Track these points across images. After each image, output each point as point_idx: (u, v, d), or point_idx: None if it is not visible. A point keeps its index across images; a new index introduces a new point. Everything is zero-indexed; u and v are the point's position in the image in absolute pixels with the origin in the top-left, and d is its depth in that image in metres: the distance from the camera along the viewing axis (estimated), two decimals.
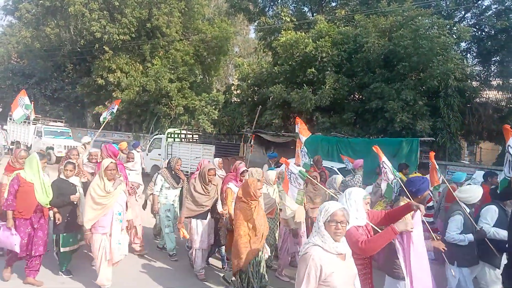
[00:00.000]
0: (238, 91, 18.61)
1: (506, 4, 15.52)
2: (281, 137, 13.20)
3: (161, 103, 21.68)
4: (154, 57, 23.76)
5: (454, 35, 13.93)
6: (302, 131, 7.91)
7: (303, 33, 15.11)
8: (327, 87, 13.37)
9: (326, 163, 9.74)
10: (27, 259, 4.84)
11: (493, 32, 15.20)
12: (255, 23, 20.79)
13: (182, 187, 6.59)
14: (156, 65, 22.51)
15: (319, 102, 13.41)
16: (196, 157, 12.64)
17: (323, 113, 14.13)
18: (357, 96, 14.94)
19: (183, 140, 14.93)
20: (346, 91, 13.85)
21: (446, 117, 12.35)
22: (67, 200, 5.01)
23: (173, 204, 6.41)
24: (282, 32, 15.91)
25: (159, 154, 14.67)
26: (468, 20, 16.73)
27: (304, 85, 13.98)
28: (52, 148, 18.32)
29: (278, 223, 5.73)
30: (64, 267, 5.30)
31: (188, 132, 16.11)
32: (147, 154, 15.06)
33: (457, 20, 16.55)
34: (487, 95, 15.09)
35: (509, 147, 4.44)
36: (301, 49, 14.22)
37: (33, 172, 4.72)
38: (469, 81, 14.01)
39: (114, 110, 11.49)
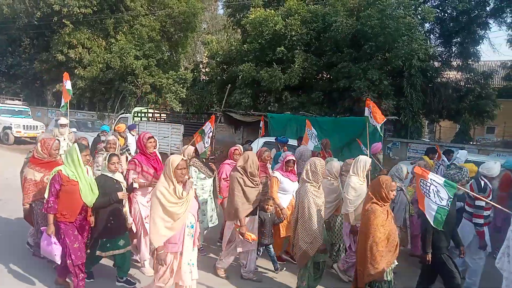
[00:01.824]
0: (206, 69, 18.33)
1: None
2: (251, 116, 13.19)
3: (127, 81, 20.97)
4: (118, 32, 22.76)
5: (418, 16, 14.30)
6: (376, 115, 7.15)
7: (273, 11, 14.95)
8: (296, 66, 13.42)
9: (294, 142, 9.91)
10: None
11: (455, 13, 15.65)
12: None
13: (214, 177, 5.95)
14: (120, 41, 21.61)
15: (288, 81, 13.48)
16: (164, 137, 12.46)
17: (292, 92, 14.23)
18: (325, 76, 15.12)
19: (150, 119, 14.62)
20: (314, 70, 13.98)
21: (409, 97, 12.80)
22: (114, 198, 4.27)
23: (210, 196, 5.79)
24: (251, 9, 15.65)
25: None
26: (432, 1, 17.13)
27: (274, 63, 13.97)
28: (10, 128, 17.41)
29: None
30: (89, 267, 4.55)
31: (156, 111, 15.77)
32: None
33: (422, 0, 16.91)
34: (448, 75, 15.72)
35: None
36: (270, 27, 14.10)
37: (75, 168, 4.07)
38: (432, 62, 14.53)
39: (69, 86, 9.76)
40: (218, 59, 16.68)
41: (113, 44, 21.84)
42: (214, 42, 17.65)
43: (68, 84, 9.40)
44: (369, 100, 7.30)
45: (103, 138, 8.32)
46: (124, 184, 4.52)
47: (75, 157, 4.07)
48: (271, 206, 5.03)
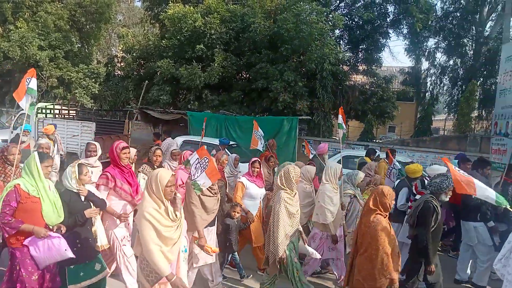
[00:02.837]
0: (122, 64, 17.36)
1: None
2: (170, 114, 12.89)
3: None
4: (18, 18, 20.37)
5: (329, 23, 15.34)
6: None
7: (192, 8, 14.77)
8: (216, 64, 13.46)
9: (213, 141, 9.95)
10: None
11: (361, 22, 17.16)
12: None
13: None
14: (21, 28, 19.37)
15: (208, 80, 13.45)
16: (74, 135, 11.53)
17: (212, 90, 14.24)
18: (244, 75, 15.41)
19: (57, 116, 13.41)
20: (234, 69, 14.16)
21: (321, 98, 13.69)
22: (81, 219, 3.63)
23: None
24: (170, 4, 15.27)
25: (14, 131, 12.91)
26: (342, 10, 18.57)
27: (194, 61, 13.82)
28: None
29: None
30: None
31: (64, 108, 14.50)
32: (11, 132, 13.12)
33: (332, 8, 18.19)
34: (355, 79, 17.17)
35: None
36: (189, 24, 13.92)
37: (36, 182, 3.35)
38: (341, 66, 15.69)
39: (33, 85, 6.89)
40: (134, 54, 15.95)
41: (11, 32, 19.49)
42: (130, 35, 16.83)
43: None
44: (342, 109, 7.09)
45: (24, 138, 7.33)
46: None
47: (34, 169, 3.34)
48: (237, 212, 4.79)
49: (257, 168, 5.13)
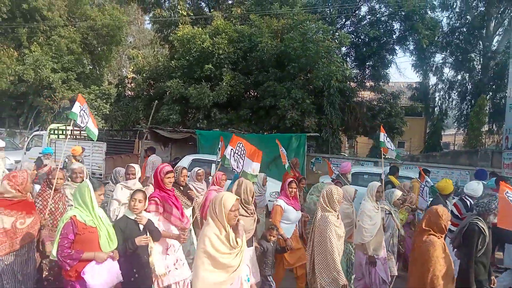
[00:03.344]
0: (132, 85, 17.74)
1: (377, 15, 17.89)
2: (179, 133, 13.04)
3: (43, 95, 19.39)
4: (32, 43, 21.06)
5: (336, 40, 15.54)
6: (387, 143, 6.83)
7: (200, 29, 15.13)
8: (224, 83, 13.66)
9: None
10: None
11: (367, 39, 17.34)
12: (151, 14, 20.00)
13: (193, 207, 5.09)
14: (35, 52, 20.00)
15: (217, 98, 13.64)
16: (85, 156, 11.71)
17: (221, 109, 14.41)
18: (252, 94, 15.59)
19: (69, 137, 13.66)
20: (242, 88, 14.35)
21: (329, 115, 13.74)
22: (131, 246, 3.43)
23: (190, 228, 4.93)
24: (179, 26, 15.67)
25: (40, 153, 13.17)
26: (348, 28, 18.80)
27: (202, 81, 14.06)
28: None
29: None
30: None
31: (75, 128, 14.77)
32: (25, 153, 13.39)
33: (339, 26, 18.45)
34: (362, 95, 17.22)
35: None
36: (198, 45, 14.23)
37: (90, 211, 3.23)
38: (348, 83, 15.78)
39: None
40: (144, 75, 16.30)
41: (26, 55, 20.14)
42: (140, 57, 17.24)
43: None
44: (382, 127, 7.13)
45: (46, 161, 7.38)
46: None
47: (88, 198, 3.20)
48: (274, 236, 4.55)
49: (294, 188, 4.87)
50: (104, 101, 17.44)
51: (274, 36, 14.59)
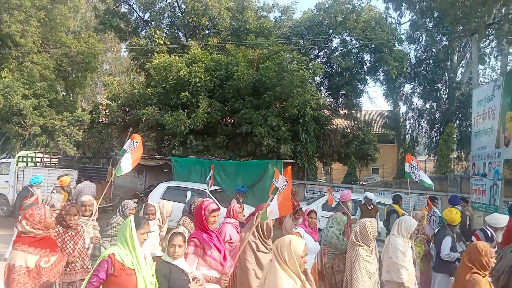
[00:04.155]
0: (107, 111, 17.49)
1: (349, 47, 18.69)
2: (154, 160, 12.87)
3: (12, 122, 18.76)
4: (3, 69, 20.58)
5: (310, 70, 16.04)
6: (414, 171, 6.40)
7: (177, 57, 15.29)
8: (200, 111, 13.71)
9: (199, 186, 9.89)
10: None
11: (340, 70, 18.01)
12: (127, 42, 20.09)
13: None
14: (5, 78, 19.51)
15: (193, 125, 13.62)
16: (55, 184, 11.31)
17: (197, 136, 14.38)
18: (229, 121, 15.70)
19: (38, 164, 13.19)
20: (218, 115, 14.43)
21: (304, 142, 13.98)
22: None
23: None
24: (155, 54, 15.78)
25: (7, 181, 12.62)
26: (321, 58, 19.49)
27: (179, 108, 14.07)
28: None
29: None
30: None
31: (45, 156, 14.31)
32: None
33: (312, 57, 19.10)
34: (336, 123, 17.67)
35: None
36: (174, 73, 14.32)
37: (131, 251, 2.90)
38: (323, 111, 16.21)
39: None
40: (119, 102, 16.14)
41: None
42: (115, 83, 17.11)
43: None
44: (410, 156, 6.80)
45: (37, 191, 6.92)
46: (190, 274, 3.28)
47: (129, 236, 2.88)
48: None
49: (314, 219, 4.71)
50: (77, 128, 17.06)
51: (250, 65, 14.91)
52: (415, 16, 20.97)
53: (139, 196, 11.47)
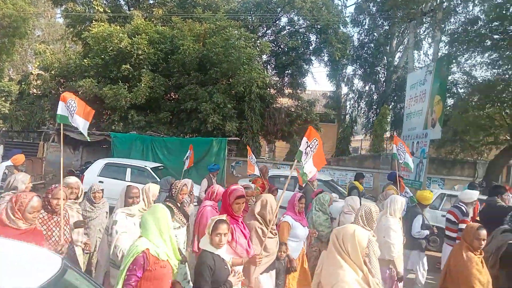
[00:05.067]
0: (38, 82, 16.13)
1: (296, 27, 18.87)
2: (91, 135, 12.24)
3: None
4: None
5: (257, 48, 16.00)
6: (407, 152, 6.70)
7: (118, 27, 14.42)
8: (143, 85, 13.18)
9: (140, 163, 9.65)
10: None
11: (286, 49, 18.16)
12: (62, 7, 18.46)
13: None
14: None
15: (134, 100, 13.09)
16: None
17: (139, 111, 13.87)
18: (173, 96, 15.31)
19: None
20: (162, 90, 14.00)
21: (249, 119, 14.09)
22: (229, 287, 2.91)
23: (185, 248, 4.47)
24: (94, 23, 14.73)
25: None
26: (269, 37, 19.49)
27: (119, 81, 13.40)
28: None
29: None
30: None
31: None
32: None
33: (260, 35, 19.03)
34: (281, 102, 17.96)
35: None
36: (115, 44, 13.52)
37: (165, 242, 2.74)
38: (268, 89, 16.35)
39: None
40: (53, 72, 14.96)
41: None
42: (48, 52, 15.76)
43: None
44: (397, 138, 7.03)
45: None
46: (229, 263, 3.09)
47: (165, 226, 2.72)
48: (284, 252, 4.13)
49: (302, 204, 4.64)
50: (3, 99, 15.56)
51: (196, 40, 14.52)
52: (360, 0, 21.67)
53: (74, 174, 10.92)
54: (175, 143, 12.25)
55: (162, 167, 10.10)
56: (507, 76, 11.69)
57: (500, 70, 11.83)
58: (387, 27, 21.24)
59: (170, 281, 2.80)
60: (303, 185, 7.45)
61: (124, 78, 13.73)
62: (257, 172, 7.50)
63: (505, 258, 3.58)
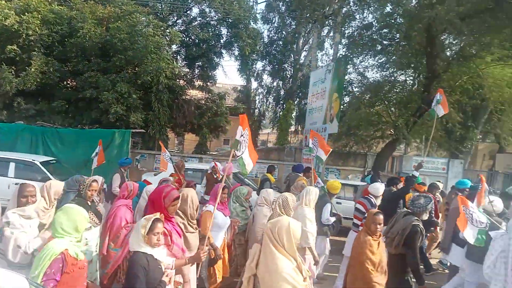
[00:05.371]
0: None
1: (207, 19, 18.75)
2: None
3: None
4: None
5: (166, 37, 15.52)
6: (324, 148, 6.86)
7: (4, 2, 12.69)
8: (33, 69, 11.85)
9: (26, 156, 8.71)
10: None
11: (197, 40, 17.97)
12: None
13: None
14: None
15: (22, 86, 11.70)
16: None
17: (28, 98, 12.45)
18: (70, 83, 14.08)
19: None
20: (57, 76, 12.74)
21: (157, 111, 13.67)
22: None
23: (97, 252, 4.02)
24: None
25: None
26: (179, 26, 19.03)
27: (3, 64, 11.84)
28: None
29: None
30: None
31: None
32: None
33: (170, 24, 18.48)
34: (191, 94, 17.78)
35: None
36: None
37: (81, 238, 2.67)
38: (178, 80, 16.03)
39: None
40: None
41: None
42: None
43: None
44: (313, 132, 7.32)
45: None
46: (163, 264, 2.95)
47: (82, 226, 2.66)
48: (206, 245, 3.99)
49: (225, 194, 4.70)
50: None
51: (99, 23, 13.50)
52: None
53: None
54: (70, 135, 11.31)
55: (54, 161, 9.21)
56: (392, 78, 13.31)
57: (388, 73, 13.41)
58: (294, 27, 22.35)
59: (85, 283, 2.73)
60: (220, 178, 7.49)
61: (10, 61, 12.17)
62: (170, 169, 7.26)
63: (409, 237, 3.98)
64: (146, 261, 2.75)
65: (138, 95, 13.19)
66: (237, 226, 5.10)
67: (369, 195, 5.83)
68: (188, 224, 3.76)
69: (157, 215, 2.93)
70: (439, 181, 8.01)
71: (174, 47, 17.71)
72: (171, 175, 6.68)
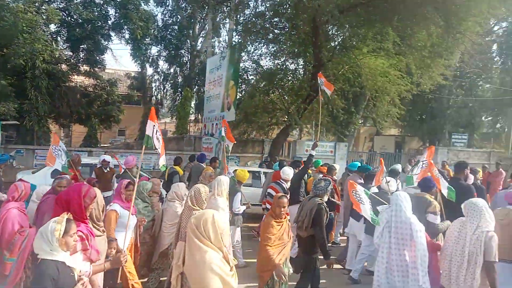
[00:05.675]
0: None
1: None
2: None
3: None
4: None
5: (42, 15, 13.65)
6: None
7: None
8: None
9: None
10: None
11: (80, 20, 16.16)
12: None
13: None
14: None
15: None
16: None
17: None
18: None
19: None
20: None
21: (34, 99, 12.08)
22: None
23: None
24: None
25: None
26: (58, 3, 16.85)
27: None
28: None
29: None
30: None
31: None
32: None
33: (46, 0, 16.26)
34: (76, 80, 16.08)
35: None
36: None
37: None
38: (59, 65, 14.32)
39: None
40: None
41: None
42: None
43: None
44: (225, 121, 7.33)
45: None
46: (76, 271, 2.63)
47: None
48: (114, 248, 3.66)
49: (131, 191, 4.30)
50: None
51: None
52: None
53: None
54: None
55: None
56: (284, 66, 13.96)
57: (280, 61, 14.00)
58: (190, 11, 21.75)
59: None
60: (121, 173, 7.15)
61: None
62: (57, 166, 6.33)
63: (316, 216, 4.26)
64: (56, 269, 2.48)
65: (8, 81, 11.46)
66: (143, 224, 4.94)
67: (280, 180, 6.09)
68: (94, 226, 3.45)
69: (65, 215, 2.66)
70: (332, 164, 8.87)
71: (52, 26, 15.69)
72: (62, 173, 5.95)
